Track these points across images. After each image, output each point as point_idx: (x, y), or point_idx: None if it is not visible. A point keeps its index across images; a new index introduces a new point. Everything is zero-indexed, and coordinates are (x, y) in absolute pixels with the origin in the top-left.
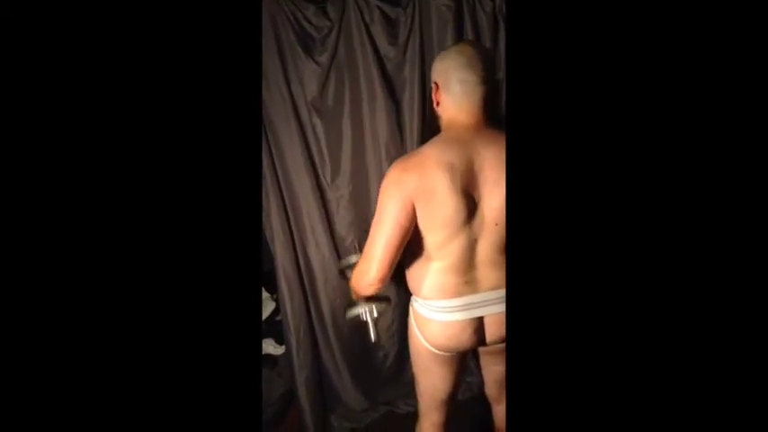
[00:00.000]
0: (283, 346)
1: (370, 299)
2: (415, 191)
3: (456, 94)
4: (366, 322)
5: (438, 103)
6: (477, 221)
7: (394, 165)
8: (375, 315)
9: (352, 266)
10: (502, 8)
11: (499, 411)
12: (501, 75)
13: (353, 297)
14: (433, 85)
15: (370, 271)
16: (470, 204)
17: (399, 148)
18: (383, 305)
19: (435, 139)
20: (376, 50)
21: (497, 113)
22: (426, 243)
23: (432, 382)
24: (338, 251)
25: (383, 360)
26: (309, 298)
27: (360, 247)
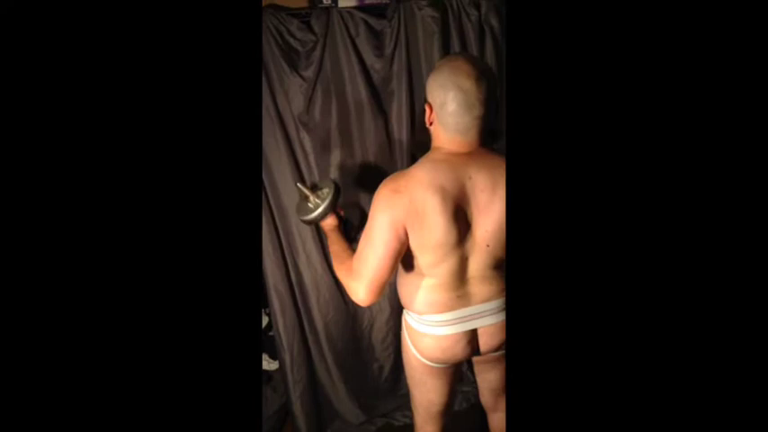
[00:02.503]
0: (277, 362)
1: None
2: (406, 214)
3: (450, 128)
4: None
5: (431, 124)
6: (468, 243)
7: (384, 184)
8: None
9: (316, 219)
10: (488, 18)
11: (495, 420)
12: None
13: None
14: (426, 107)
15: (359, 291)
16: (462, 227)
17: (389, 161)
18: (325, 191)
19: (426, 160)
20: (362, 63)
21: (495, 127)
22: (418, 262)
23: (427, 395)
24: (330, 265)
25: (379, 373)
26: (302, 313)
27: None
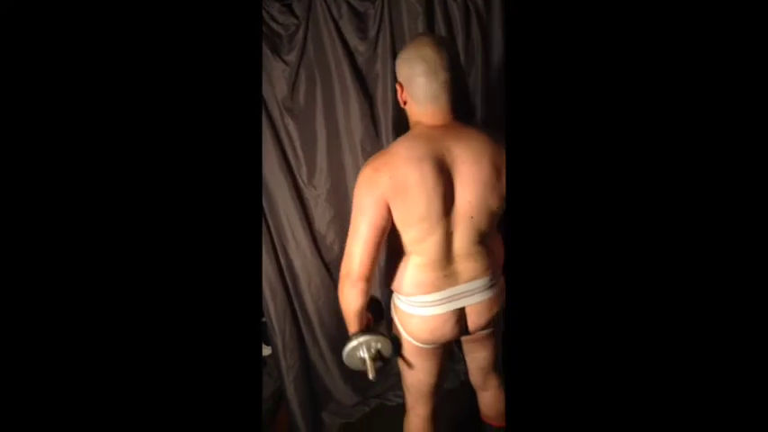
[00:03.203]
0: (270, 347)
1: (365, 332)
2: (388, 189)
3: (420, 98)
4: (363, 359)
5: (405, 103)
6: (452, 216)
7: (365, 165)
8: (373, 350)
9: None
10: None
11: (485, 398)
12: (476, 66)
13: (349, 331)
14: (397, 86)
15: (351, 271)
16: (444, 199)
17: (375, 144)
18: (381, 340)
19: (404, 137)
20: (346, 46)
21: (468, 105)
22: (404, 239)
23: (417, 375)
24: (319, 250)
25: None
26: (293, 298)
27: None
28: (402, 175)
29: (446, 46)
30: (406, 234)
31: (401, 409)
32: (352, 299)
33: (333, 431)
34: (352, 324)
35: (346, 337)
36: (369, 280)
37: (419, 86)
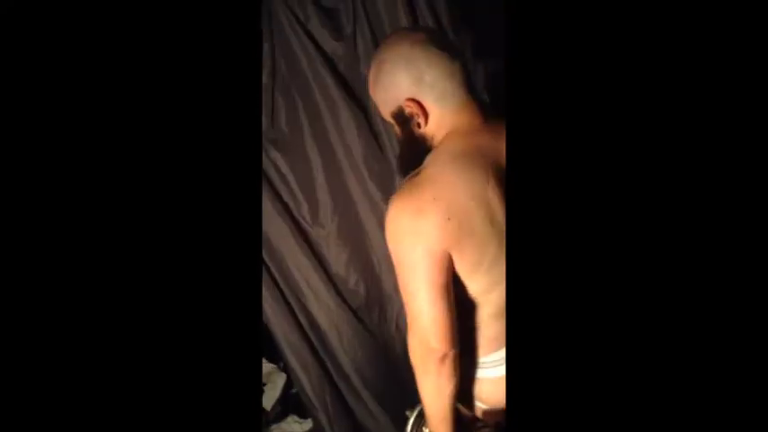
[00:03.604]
0: (309, 420)
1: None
2: (447, 236)
3: (448, 103)
4: None
5: (426, 122)
6: None
7: (399, 203)
8: None
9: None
10: None
11: None
12: (467, 55)
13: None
14: (407, 105)
15: (432, 348)
16: None
17: (381, 161)
18: None
19: (440, 155)
20: (321, 52)
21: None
22: (469, 290)
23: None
24: (343, 297)
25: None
26: (327, 362)
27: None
28: (462, 212)
29: (426, 31)
30: (472, 284)
31: None
32: (444, 380)
33: None
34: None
35: None
36: (454, 345)
37: (437, 82)
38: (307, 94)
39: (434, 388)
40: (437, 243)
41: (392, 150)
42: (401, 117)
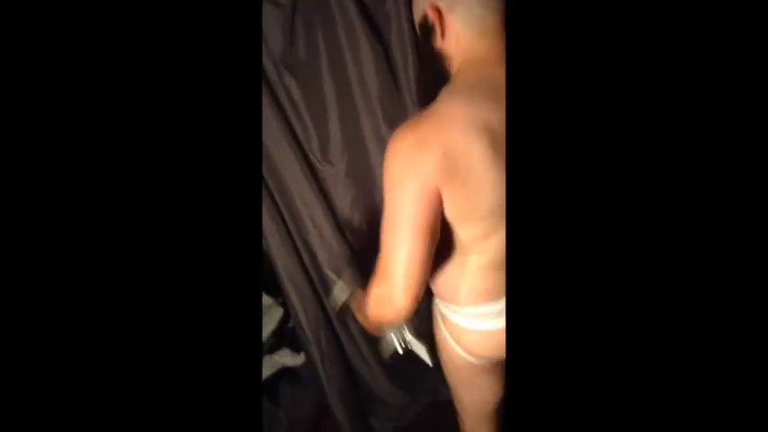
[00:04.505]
0: (302, 354)
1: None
2: (441, 172)
3: (474, 26)
4: (406, 351)
5: (444, 35)
6: None
7: (401, 135)
8: (410, 336)
9: (345, 302)
10: None
11: None
12: None
13: (370, 328)
14: (430, 12)
15: (394, 297)
16: None
17: (397, 102)
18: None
19: (452, 89)
20: None
21: None
22: (459, 236)
23: (478, 394)
24: (346, 238)
25: None
26: (323, 298)
27: (336, 273)
28: (462, 149)
29: None
30: (462, 230)
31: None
32: (390, 325)
33: None
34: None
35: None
36: (418, 304)
37: (473, 8)
38: (328, 21)
39: (375, 328)
40: (430, 178)
41: (408, 93)
42: (425, 27)
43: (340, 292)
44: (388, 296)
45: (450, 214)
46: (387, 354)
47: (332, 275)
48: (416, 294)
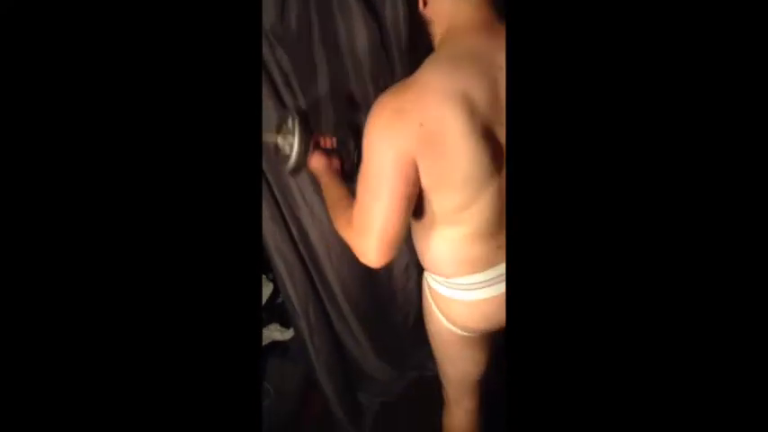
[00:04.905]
0: (291, 329)
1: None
2: (417, 142)
3: None
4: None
5: (425, 3)
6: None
7: (381, 102)
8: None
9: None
10: None
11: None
12: None
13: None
14: None
15: (367, 250)
16: (497, 148)
17: (388, 73)
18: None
19: (435, 58)
20: None
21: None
22: (438, 207)
23: (462, 366)
24: None
25: (404, 322)
26: (313, 274)
27: (290, 124)
28: (438, 118)
29: None
30: (441, 201)
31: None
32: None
33: (372, 412)
34: None
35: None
36: (391, 259)
37: None
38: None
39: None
40: (405, 148)
41: (400, 65)
42: None
43: (290, 150)
44: (364, 250)
45: (427, 183)
46: (284, 164)
47: (267, 136)
48: (389, 251)
